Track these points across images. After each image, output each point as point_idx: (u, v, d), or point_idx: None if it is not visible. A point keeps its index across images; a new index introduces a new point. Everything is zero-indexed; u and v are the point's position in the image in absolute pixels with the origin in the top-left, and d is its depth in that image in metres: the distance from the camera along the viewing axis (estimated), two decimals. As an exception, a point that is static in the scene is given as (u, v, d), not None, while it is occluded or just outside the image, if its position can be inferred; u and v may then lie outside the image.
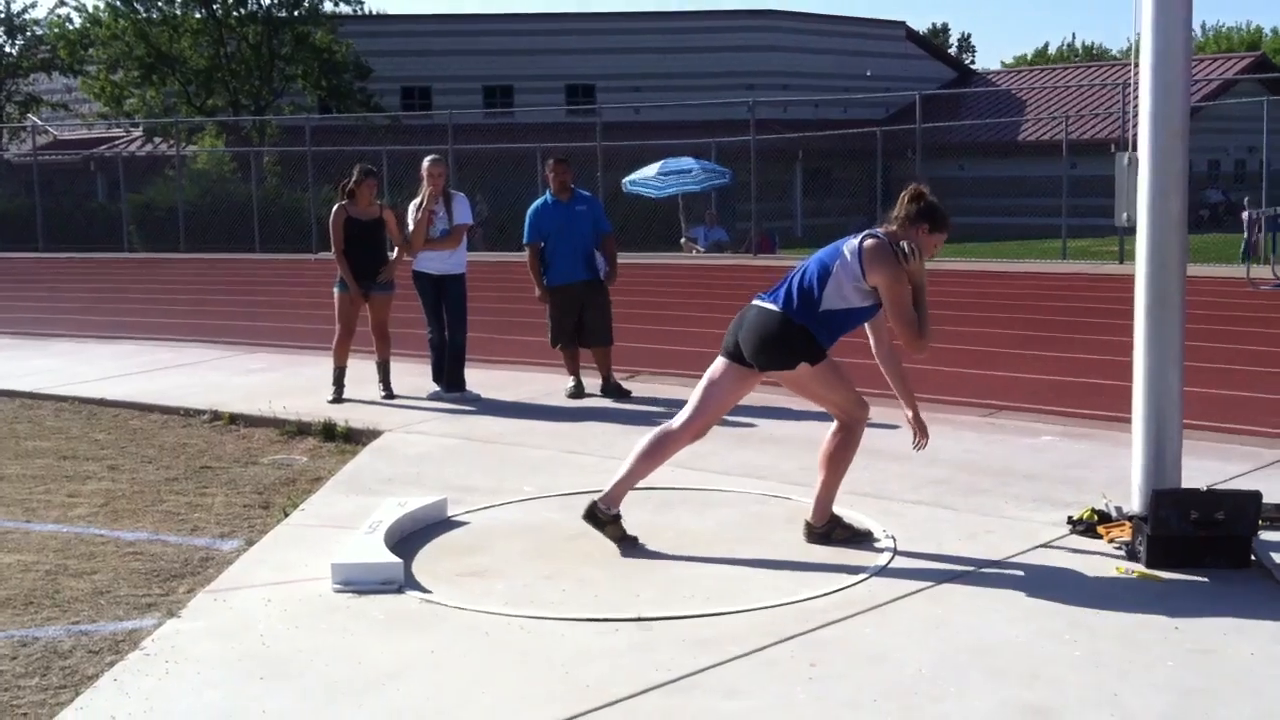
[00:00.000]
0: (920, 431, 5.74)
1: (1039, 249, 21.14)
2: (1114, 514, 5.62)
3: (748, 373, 5.57)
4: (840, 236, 5.63)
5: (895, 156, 24.07)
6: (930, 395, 8.96)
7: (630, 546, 5.55)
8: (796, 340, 5.40)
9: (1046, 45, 66.50)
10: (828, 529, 5.62)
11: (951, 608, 4.78)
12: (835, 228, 5.85)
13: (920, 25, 55.83)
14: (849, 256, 5.41)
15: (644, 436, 5.69)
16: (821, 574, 5.17)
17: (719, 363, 5.63)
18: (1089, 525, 5.61)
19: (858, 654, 4.34)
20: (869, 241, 5.41)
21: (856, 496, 6.21)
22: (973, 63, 59.28)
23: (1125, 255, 17.73)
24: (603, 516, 5.55)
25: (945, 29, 69.71)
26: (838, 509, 5.69)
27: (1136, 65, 5.43)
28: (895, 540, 5.60)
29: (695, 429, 5.64)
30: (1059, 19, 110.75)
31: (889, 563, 5.32)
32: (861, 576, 5.13)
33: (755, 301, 5.58)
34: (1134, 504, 5.49)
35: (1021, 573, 5.20)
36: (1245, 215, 24.83)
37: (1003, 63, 63.18)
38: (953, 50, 60.32)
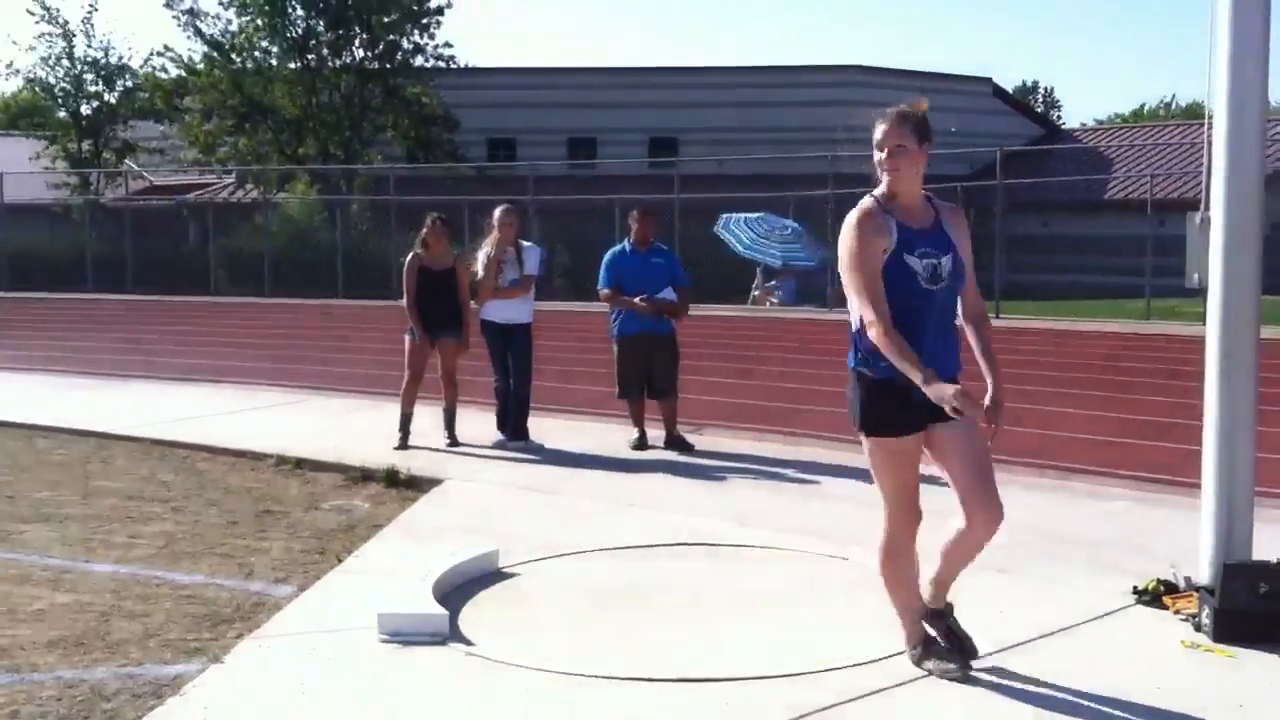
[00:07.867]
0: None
1: (1124, 309, 20.71)
2: (1182, 585, 5.42)
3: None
4: None
5: (979, 213, 23.72)
6: (999, 457, 8.77)
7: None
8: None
9: (1143, 106, 65.06)
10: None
11: (1004, 679, 4.63)
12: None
13: (1011, 82, 55.14)
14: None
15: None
16: (869, 641, 5.03)
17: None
18: (1155, 596, 5.42)
19: (902, 724, 4.21)
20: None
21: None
22: (1060, 120, 58.61)
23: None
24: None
25: (1035, 86, 69.07)
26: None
27: (1210, 122, 5.28)
28: (951, 607, 5.43)
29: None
30: (1157, 73, 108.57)
31: (944, 629, 5.16)
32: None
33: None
34: (1202, 575, 5.29)
35: (1081, 644, 5.03)
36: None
37: (1095, 120, 62.17)
38: (1039, 108, 59.60)
